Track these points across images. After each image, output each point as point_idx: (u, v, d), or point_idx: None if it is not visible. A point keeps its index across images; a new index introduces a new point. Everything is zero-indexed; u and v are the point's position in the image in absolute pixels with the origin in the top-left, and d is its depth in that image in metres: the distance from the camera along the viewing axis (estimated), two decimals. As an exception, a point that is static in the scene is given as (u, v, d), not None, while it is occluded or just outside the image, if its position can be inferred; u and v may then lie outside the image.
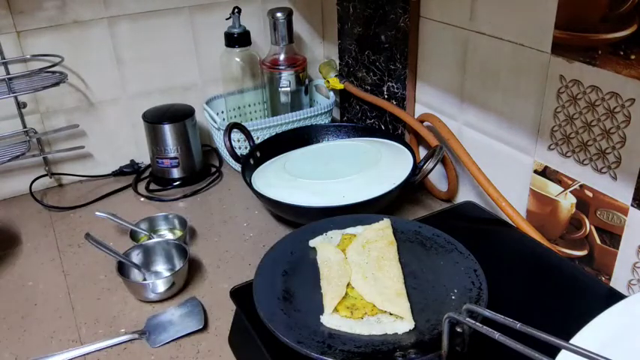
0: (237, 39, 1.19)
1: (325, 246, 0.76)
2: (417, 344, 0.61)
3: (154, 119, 1.14)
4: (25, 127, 1.12)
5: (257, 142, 1.15)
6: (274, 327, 0.62)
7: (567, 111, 0.78)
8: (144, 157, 1.24)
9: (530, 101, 0.83)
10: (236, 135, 1.14)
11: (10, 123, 1.11)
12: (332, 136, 1.19)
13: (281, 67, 1.22)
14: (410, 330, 0.62)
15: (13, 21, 1.06)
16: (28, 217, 1.10)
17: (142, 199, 1.15)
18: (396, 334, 0.62)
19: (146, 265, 0.91)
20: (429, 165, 0.97)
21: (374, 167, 1.02)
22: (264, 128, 1.17)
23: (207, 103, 1.24)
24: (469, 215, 0.92)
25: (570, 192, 0.81)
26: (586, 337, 0.53)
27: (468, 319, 0.52)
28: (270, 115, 1.28)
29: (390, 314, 0.64)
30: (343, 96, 1.30)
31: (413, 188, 1.06)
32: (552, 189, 0.84)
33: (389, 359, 0.59)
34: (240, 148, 1.17)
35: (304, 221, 0.85)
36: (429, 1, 0.99)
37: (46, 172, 1.18)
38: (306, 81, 1.27)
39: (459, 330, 0.55)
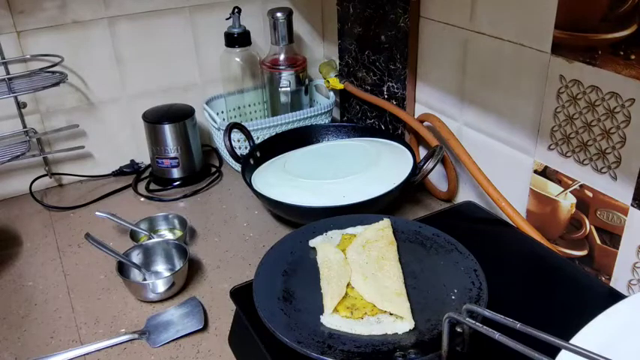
0: (237, 39, 1.19)
1: (325, 246, 0.76)
2: (417, 344, 0.61)
3: (154, 119, 1.14)
4: (25, 127, 1.12)
5: (257, 142, 1.15)
6: (274, 327, 0.62)
7: (567, 111, 0.78)
8: (144, 157, 1.24)
9: (530, 101, 0.83)
10: (236, 135, 1.14)
11: (10, 123, 1.11)
12: (332, 136, 1.19)
13: (281, 67, 1.22)
14: (410, 330, 0.62)
15: (13, 21, 1.06)
16: (28, 217, 1.10)
17: (142, 199, 1.15)
18: (396, 334, 0.62)
19: (146, 265, 0.91)
20: (429, 165, 0.97)
21: (374, 167, 1.02)
22: (264, 128, 1.17)
23: (207, 103, 1.24)
24: (469, 215, 0.92)
25: (570, 192, 0.81)
26: (586, 337, 0.53)
27: (468, 319, 0.52)
28: (270, 115, 1.28)
29: (390, 314, 0.64)
30: (343, 96, 1.30)
31: (413, 188, 1.06)
32: (552, 189, 0.84)
33: (389, 359, 0.59)
34: (240, 148, 1.17)
35: (304, 221, 0.85)
36: (429, 1, 0.99)
37: (46, 172, 1.18)
38: (306, 81, 1.27)
39: (459, 330, 0.55)
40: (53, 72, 1.09)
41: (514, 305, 0.69)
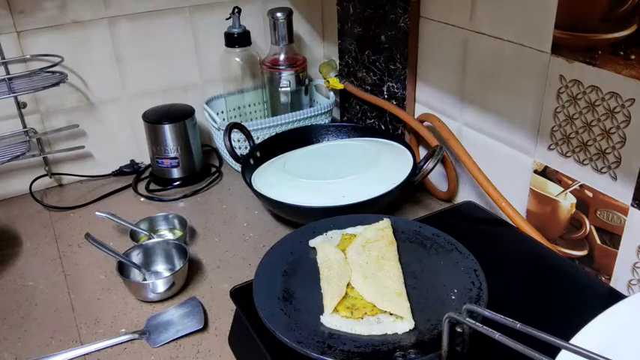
0: (237, 39, 1.18)
1: (325, 246, 0.76)
2: (417, 344, 0.61)
3: (154, 119, 1.14)
4: (25, 127, 1.12)
5: (257, 142, 1.15)
6: (274, 327, 0.62)
7: (567, 111, 0.78)
8: (144, 157, 1.24)
9: (530, 101, 0.83)
10: (236, 135, 1.14)
11: (10, 123, 1.11)
12: (332, 136, 1.19)
13: (281, 67, 1.22)
14: (410, 330, 0.62)
15: (13, 21, 1.06)
16: (28, 217, 1.10)
17: (142, 199, 1.15)
18: (396, 334, 0.62)
19: (146, 265, 0.91)
20: (429, 165, 0.97)
21: (374, 167, 1.02)
22: (264, 128, 1.17)
23: (207, 103, 1.24)
24: (469, 215, 0.92)
25: (570, 192, 0.81)
26: (586, 337, 0.53)
27: (468, 319, 0.52)
28: (270, 115, 1.28)
29: (390, 314, 0.64)
30: (343, 96, 1.30)
31: (413, 188, 1.06)
32: (552, 189, 0.84)
33: (389, 359, 0.59)
34: (240, 148, 1.17)
35: (304, 221, 0.85)
36: (429, 1, 0.99)
37: (46, 172, 1.18)
38: (306, 81, 1.27)
39: (459, 330, 0.55)
40: (53, 72, 1.09)
41: (514, 305, 0.69)
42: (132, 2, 1.14)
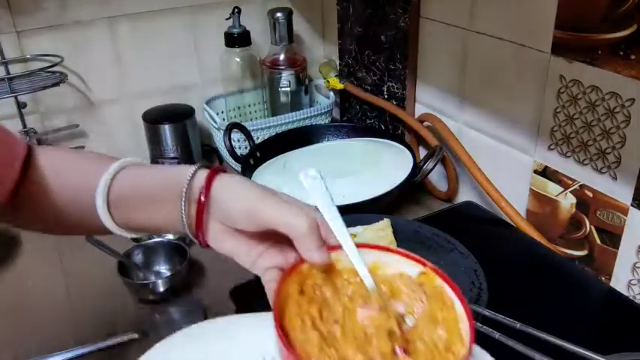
0: (237, 39, 1.18)
1: (325, 246, 0.76)
2: (417, 344, 0.60)
3: (154, 119, 1.14)
4: (25, 127, 1.12)
5: (257, 142, 1.15)
6: (274, 327, 0.62)
7: (567, 111, 0.78)
8: (144, 157, 1.24)
9: (530, 101, 0.83)
10: (236, 135, 1.14)
11: (10, 123, 1.11)
12: (332, 136, 1.18)
13: (281, 67, 1.22)
14: (410, 330, 0.62)
15: (13, 21, 1.06)
16: (28, 217, 1.10)
17: (142, 199, 1.15)
18: (396, 334, 0.62)
19: (146, 265, 0.91)
20: (429, 165, 0.97)
21: (374, 167, 1.01)
22: (264, 128, 1.17)
23: (207, 103, 1.24)
24: (469, 215, 0.92)
25: (570, 192, 0.81)
26: None
27: (468, 319, 0.52)
28: (270, 115, 1.28)
29: (390, 314, 0.64)
30: (343, 96, 1.30)
31: (413, 188, 1.06)
32: (552, 189, 0.84)
33: (389, 359, 0.59)
34: (240, 148, 1.17)
35: (304, 221, 0.85)
36: (429, 1, 0.99)
37: (46, 172, 1.18)
38: (306, 81, 1.27)
39: (459, 330, 0.55)
40: (53, 72, 1.09)
41: (514, 305, 0.69)
42: (132, 2, 1.14)
